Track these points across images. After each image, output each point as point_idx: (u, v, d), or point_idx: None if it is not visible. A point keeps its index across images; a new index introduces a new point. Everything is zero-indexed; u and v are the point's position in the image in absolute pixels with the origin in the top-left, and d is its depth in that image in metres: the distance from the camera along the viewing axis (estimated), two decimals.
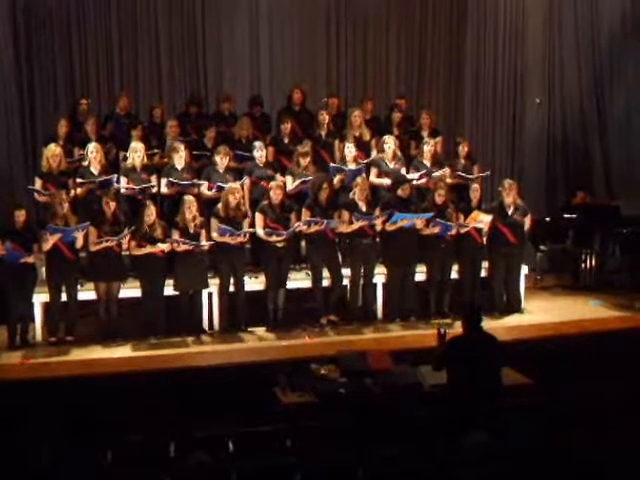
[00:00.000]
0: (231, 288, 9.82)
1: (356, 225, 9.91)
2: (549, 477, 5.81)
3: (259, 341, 9.66)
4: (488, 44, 14.55)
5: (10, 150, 11.99)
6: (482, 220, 10.28)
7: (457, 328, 9.31)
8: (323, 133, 11.19)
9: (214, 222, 9.65)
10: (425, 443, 6.38)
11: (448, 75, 14.61)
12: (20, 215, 9.24)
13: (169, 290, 9.65)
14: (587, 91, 14.55)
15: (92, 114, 11.46)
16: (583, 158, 14.59)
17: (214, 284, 9.84)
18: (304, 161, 10.40)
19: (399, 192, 10.15)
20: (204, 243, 9.54)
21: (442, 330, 7.82)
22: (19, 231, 9.23)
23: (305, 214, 9.94)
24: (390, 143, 10.73)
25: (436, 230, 10.10)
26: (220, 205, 9.71)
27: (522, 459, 5.86)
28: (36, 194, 9.96)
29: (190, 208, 9.53)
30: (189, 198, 9.62)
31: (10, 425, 7.13)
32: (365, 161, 10.84)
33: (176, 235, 9.53)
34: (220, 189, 9.90)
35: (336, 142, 11.13)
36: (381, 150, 10.82)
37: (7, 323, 9.37)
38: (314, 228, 9.82)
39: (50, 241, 9.16)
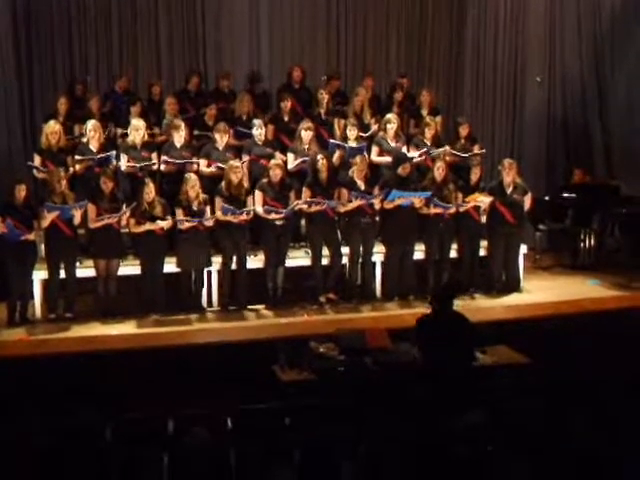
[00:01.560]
0: (233, 266, 9.84)
1: (354, 204, 9.91)
2: (545, 456, 5.84)
3: (258, 319, 9.69)
4: (489, 22, 14.43)
5: (9, 128, 11.95)
6: (482, 201, 10.29)
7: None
8: (322, 111, 11.17)
9: (218, 201, 9.66)
10: (423, 420, 6.41)
11: (448, 54, 14.51)
12: (21, 190, 9.23)
13: (169, 267, 9.67)
14: (588, 69, 14.46)
15: (92, 92, 11.44)
16: (583, 137, 14.54)
17: (215, 262, 9.85)
18: (307, 135, 10.38)
19: (399, 171, 10.15)
20: (208, 218, 9.55)
21: None
22: (19, 208, 9.23)
23: (305, 193, 9.95)
24: (393, 122, 10.71)
25: (436, 211, 10.12)
26: (223, 184, 9.72)
27: (518, 438, 5.89)
28: (35, 171, 9.95)
29: (194, 187, 9.54)
30: (192, 176, 9.64)
31: (10, 402, 7.16)
32: (364, 135, 10.81)
33: (179, 213, 9.54)
34: (221, 169, 9.90)
35: (335, 120, 11.10)
36: (383, 129, 10.80)
37: (7, 300, 9.39)
38: (314, 208, 9.83)
39: (48, 218, 9.18)
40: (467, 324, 7.17)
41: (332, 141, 10.59)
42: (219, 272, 9.88)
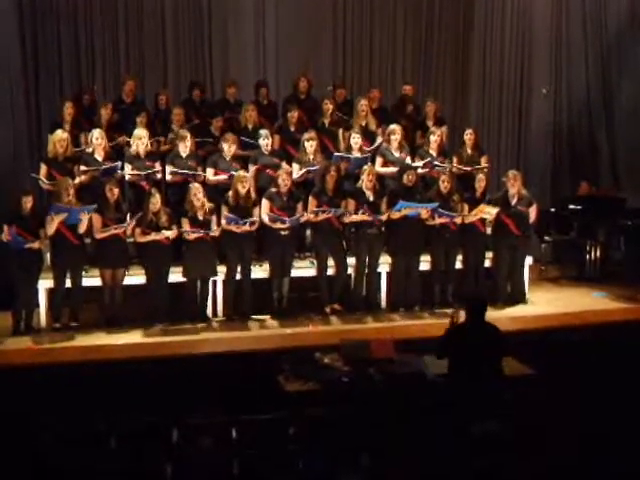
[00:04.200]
0: (237, 276, 9.84)
1: (360, 217, 9.92)
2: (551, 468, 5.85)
3: (263, 329, 9.67)
4: (495, 34, 14.51)
5: (15, 138, 11.96)
6: (489, 212, 10.27)
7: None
8: (326, 122, 11.18)
9: (224, 210, 9.67)
10: (430, 431, 6.41)
11: (454, 65, 14.57)
12: (27, 201, 9.22)
13: (174, 277, 9.67)
14: (594, 81, 14.52)
15: (100, 101, 11.44)
16: (589, 148, 14.56)
17: (220, 272, 9.85)
18: (310, 146, 10.36)
19: (404, 179, 10.16)
20: (214, 229, 9.56)
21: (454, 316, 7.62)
22: (25, 217, 9.23)
23: (312, 202, 9.94)
24: (397, 134, 10.70)
25: (442, 221, 10.12)
26: (230, 193, 9.73)
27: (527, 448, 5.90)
28: (40, 182, 9.94)
29: (197, 195, 9.54)
30: (195, 185, 9.63)
31: (15, 410, 7.17)
32: (370, 148, 10.81)
33: (186, 224, 9.54)
34: (231, 177, 9.91)
35: (340, 131, 11.11)
36: (387, 140, 10.79)
37: (12, 309, 9.39)
38: (322, 216, 9.83)
39: (55, 221, 9.17)
40: (499, 334, 7.17)
41: (336, 154, 10.57)
42: (224, 282, 9.88)
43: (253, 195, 9.87)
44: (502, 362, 7.13)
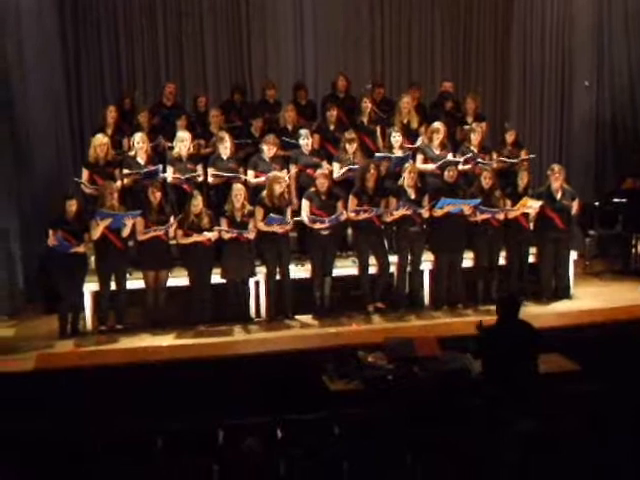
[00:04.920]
0: (277, 276, 9.86)
1: (400, 212, 9.87)
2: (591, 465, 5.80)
3: (306, 329, 9.69)
4: (535, 26, 14.33)
5: (58, 143, 12.08)
6: (532, 206, 10.19)
7: None
8: (365, 120, 11.15)
9: (259, 211, 9.68)
10: (472, 428, 6.38)
11: (495, 59, 14.46)
12: (71, 205, 9.35)
13: (217, 278, 9.72)
14: (637, 72, 14.30)
15: (141, 105, 11.54)
16: (633, 141, 14.37)
17: (261, 272, 9.87)
18: (351, 147, 10.36)
19: (445, 175, 10.12)
20: (250, 231, 9.59)
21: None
22: (70, 221, 9.35)
23: (352, 201, 9.92)
24: (440, 132, 10.62)
25: (485, 217, 10.05)
26: (265, 193, 9.75)
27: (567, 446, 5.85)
28: (82, 186, 10.05)
29: (237, 196, 9.58)
30: (237, 186, 9.67)
31: (61, 412, 7.25)
32: (410, 146, 10.77)
33: (224, 223, 9.59)
34: None
35: (378, 129, 11.08)
36: (429, 137, 10.74)
37: (58, 312, 9.51)
38: (362, 216, 9.81)
39: (100, 226, 9.25)
40: (533, 332, 7.12)
41: (377, 154, 10.53)
42: (266, 282, 9.90)
43: (287, 196, 9.90)
44: (537, 360, 7.08)
